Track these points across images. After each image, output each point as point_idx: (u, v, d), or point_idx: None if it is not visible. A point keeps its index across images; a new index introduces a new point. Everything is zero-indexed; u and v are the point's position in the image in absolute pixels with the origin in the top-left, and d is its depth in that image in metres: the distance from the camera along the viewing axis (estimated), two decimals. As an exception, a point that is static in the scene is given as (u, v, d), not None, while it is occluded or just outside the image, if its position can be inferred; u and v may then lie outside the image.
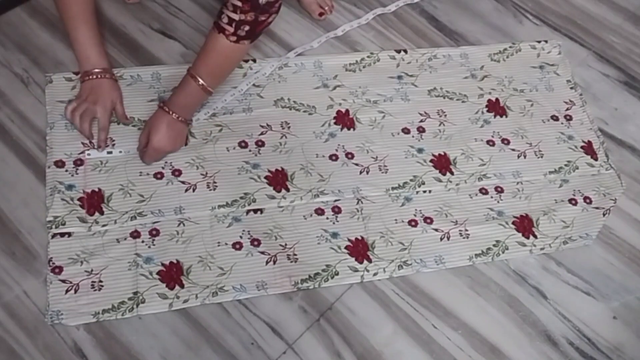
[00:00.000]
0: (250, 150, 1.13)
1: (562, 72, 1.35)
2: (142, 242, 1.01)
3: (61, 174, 1.05)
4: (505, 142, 1.23)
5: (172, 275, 0.99)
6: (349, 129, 1.19)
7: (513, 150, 1.22)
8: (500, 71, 1.33)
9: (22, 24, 1.22)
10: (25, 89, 1.14)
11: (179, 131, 1.07)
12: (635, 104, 1.35)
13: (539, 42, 1.39)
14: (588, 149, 1.25)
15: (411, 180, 1.15)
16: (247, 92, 1.19)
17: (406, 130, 1.21)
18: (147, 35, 1.25)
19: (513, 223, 1.13)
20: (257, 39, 1.00)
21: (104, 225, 1.01)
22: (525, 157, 1.22)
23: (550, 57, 1.37)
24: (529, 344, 1.03)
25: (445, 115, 1.24)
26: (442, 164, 1.18)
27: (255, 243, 1.04)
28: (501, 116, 1.26)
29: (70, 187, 1.04)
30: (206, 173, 1.09)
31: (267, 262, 1.03)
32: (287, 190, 1.10)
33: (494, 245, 1.10)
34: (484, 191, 1.16)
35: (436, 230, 1.10)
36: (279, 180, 1.10)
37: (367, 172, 1.14)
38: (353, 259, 1.05)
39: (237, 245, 1.03)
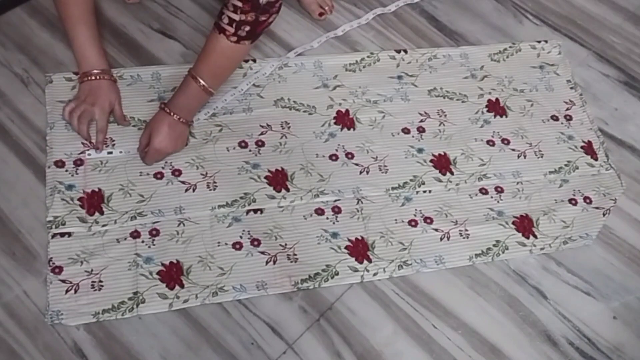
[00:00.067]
0: (250, 150, 1.13)
1: (562, 72, 1.35)
2: (142, 242, 1.01)
3: (61, 174, 1.05)
4: (505, 142, 1.23)
5: (172, 275, 0.99)
6: (349, 129, 1.19)
7: (513, 150, 1.22)
8: (500, 71, 1.33)
9: (22, 24, 1.22)
10: (25, 89, 1.14)
11: (180, 132, 1.07)
12: (635, 104, 1.35)
13: (539, 42, 1.39)
14: (588, 149, 1.25)
15: (411, 180, 1.15)
16: (247, 92, 1.19)
17: (406, 130, 1.21)
18: (147, 35, 1.25)
19: (513, 223, 1.13)
20: (258, 39, 1.00)
21: (104, 225, 1.01)
22: (525, 157, 1.22)
23: (550, 57, 1.37)
24: (529, 344, 1.03)
25: (445, 115, 1.24)
26: (442, 164, 1.18)
27: (255, 243, 1.04)
28: (501, 116, 1.26)
29: (70, 187, 1.04)
30: (206, 173, 1.09)
31: (267, 262, 1.03)
32: (287, 190, 1.10)
33: (494, 245, 1.10)
34: (484, 191, 1.16)
35: (436, 230, 1.10)
36: (279, 180, 1.10)
37: (367, 172, 1.14)
38: (353, 259, 1.05)
39: (237, 245, 1.03)
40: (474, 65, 1.33)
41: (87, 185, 1.05)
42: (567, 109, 1.30)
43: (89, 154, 1.08)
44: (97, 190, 1.05)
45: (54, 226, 1.00)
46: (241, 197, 1.07)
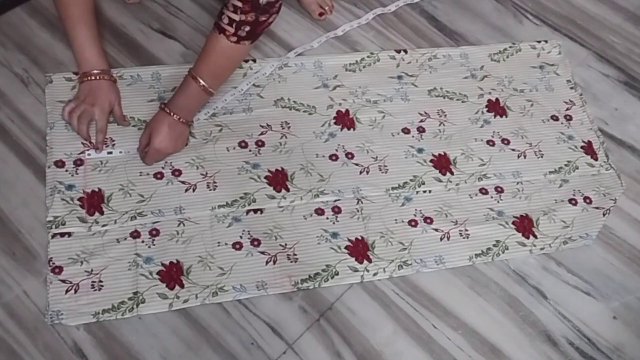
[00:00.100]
0: (250, 150, 1.13)
1: (562, 72, 1.35)
2: (142, 242, 1.01)
3: (61, 174, 1.05)
4: (505, 142, 1.23)
5: (172, 275, 0.99)
6: (349, 129, 1.19)
7: (513, 150, 1.22)
8: (500, 71, 1.33)
9: (22, 24, 1.22)
10: (25, 89, 1.15)
11: (180, 132, 1.07)
12: (635, 104, 1.35)
13: (539, 42, 1.39)
14: (588, 149, 1.25)
15: (411, 180, 1.15)
16: (247, 92, 1.19)
17: (406, 130, 1.21)
18: (147, 35, 1.25)
19: (513, 223, 1.13)
20: (258, 39, 1.00)
21: (104, 225, 1.01)
22: (525, 157, 1.22)
23: (550, 57, 1.37)
24: (529, 344, 1.03)
25: (445, 115, 1.24)
26: (442, 164, 1.18)
27: (255, 243, 1.04)
28: (501, 116, 1.26)
29: (70, 187, 1.04)
30: (206, 173, 1.09)
31: (267, 262, 1.03)
32: (287, 190, 1.10)
33: (494, 245, 1.10)
34: (484, 191, 1.16)
35: (436, 230, 1.10)
36: (279, 180, 1.10)
37: (367, 172, 1.14)
38: (353, 259, 1.05)
39: (237, 245, 1.03)
40: (474, 65, 1.33)
41: (87, 185, 1.05)
42: (567, 109, 1.30)
43: (89, 154, 1.08)
44: (97, 190, 1.05)
45: (54, 226, 1.00)
46: (241, 197, 1.07)
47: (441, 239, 1.09)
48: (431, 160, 1.18)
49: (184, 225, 1.04)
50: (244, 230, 1.05)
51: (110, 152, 1.08)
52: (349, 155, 1.16)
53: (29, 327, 0.93)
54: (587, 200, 1.18)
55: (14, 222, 1.02)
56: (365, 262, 1.05)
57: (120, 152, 1.09)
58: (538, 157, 1.22)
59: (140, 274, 0.99)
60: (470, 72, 1.31)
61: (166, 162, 1.09)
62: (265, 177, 1.10)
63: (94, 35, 1.07)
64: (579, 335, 1.04)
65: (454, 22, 1.41)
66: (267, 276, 1.02)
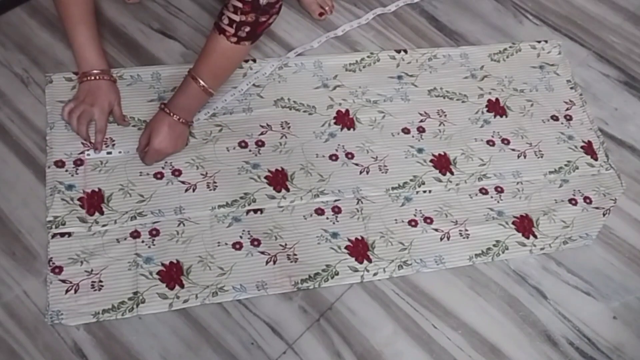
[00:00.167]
0: (250, 150, 1.13)
1: (562, 72, 1.35)
2: (142, 242, 1.01)
3: (61, 174, 1.05)
4: (505, 142, 1.23)
5: (172, 275, 0.99)
6: (349, 129, 1.19)
7: (513, 150, 1.22)
8: (500, 71, 1.33)
9: (22, 24, 1.22)
10: (25, 89, 1.15)
11: (180, 133, 1.07)
12: (635, 104, 1.35)
13: (539, 42, 1.39)
14: (588, 149, 1.25)
15: (411, 180, 1.15)
16: (247, 92, 1.19)
17: (406, 130, 1.21)
18: (147, 35, 1.25)
19: (513, 223, 1.13)
20: (258, 39, 1.00)
21: (104, 225, 1.01)
22: (525, 157, 1.22)
23: (550, 57, 1.37)
24: (529, 344, 1.03)
25: (445, 115, 1.24)
26: (442, 164, 1.18)
27: (255, 243, 1.04)
28: (501, 116, 1.26)
29: (70, 187, 1.04)
30: (206, 173, 1.09)
31: (267, 262, 1.03)
32: (287, 190, 1.10)
33: (494, 245, 1.10)
34: (484, 191, 1.16)
35: (436, 230, 1.10)
36: (279, 180, 1.10)
37: (367, 172, 1.14)
38: (353, 259, 1.05)
39: (237, 245, 1.03)
40: (474, 65, 1.33)
41: (87, 185, 1.05)
42: (567, 109, 1.30)
43: (89, 154, 1.08)
44: (97, 190, 1.05)
45: (54, 226, 1.00)
46: (241, 197, 1.07)
47: (441, 239, 1.10)
48: (431, 160, 1.18)
49: (184, 225, 1.04)
50: (244, 230, 1.05)
51: (109, 152, 1.08)
52: (349, 155, 1.16)
53: (29, 327, 0.94)
54: (587, 200, 1.18)
55: (14, 222, 1.02)
56: (365, 262, 1.05)
57: (120, 152, 1.09)
58: (538, 157, 1.22)
59: (140, 274, 0.99)
60: (470, 72, 1.31)
61: (166, 162, 1.09)
62: (265, 177, 1.10)
63: (94, 36, 1.07)
64: (579, 335, 1.04)
65: (454, 22, 1.41)
66: (267, 276, 1.02)
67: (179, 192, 1.06)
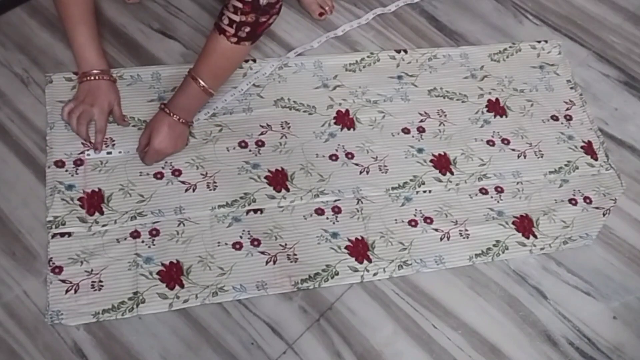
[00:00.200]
0: (250, 150, 1.13)
1: (562, 72, 1.35)
2: (142, 242, 1.01)
3: (61, 174, 1.05)
4: (505, 142, 1.23)
5: (172, 275, 0.99)
6: (349, 129, 1.19)
7: (513, 150, 1.22)
8: (500, 71, 1.33)
9: (22, 24, 1.22)
10: (25, 89, 1.15)
11: (180, 133, 1.07)
12: (635, 104, 1.35)
13: (539, 42, 1.39)
14: (588, 149, 1.25)
15: (411, 180, 1.15)
16: (247, 92, 1.19)
17: (406, 130, 1.21)
18: (147, 35, 1.25)
19: (513, 223, 1.13)
20: (258, 40, 1.00)
21: (104, 225, 1.01)
22: (525, 157, 1.22)
23: (550, 57, 1.37)
24: (529, 344, 1.03)
25: (445, 115, 1.24)
26: (442, 164, 1.18)
27: (255, 243, 1.04)
28: (501, 116, 1.26)
29: (70, 187, 1.04)
30: (206, 173, 1.09)
31: (267, 262, 1.03)
32: (287, 190, 1.10)
33: (494, 245, 1.10)
34: (484, 191, 1.16)
35: (436, 230, 1.10)
36: (279, 180, 1.10)
37: (367, 172, 1.14)
38: (353, 259, 1.05)
39: (237, 245, 1.03)
40: (474, 65, 1.33)
41: (87, 185, 1.05)
42: (567, 109, 1.30)
43: (89, 154, 1.08)
44: (97, 190, 1.05)
45: (54, 226, 1.00)
46: (241, 197, 1.07)
47: (441, 239, 1.10)
48: (431, 160, 1.18)
49: (184, 225, 1.04)
50: (244, 230, 1.05)
51: (109, 152, 1.08)
52: (349, 155, 1.16)
53: (29, 327, 0.94)
54: (587, 200, 1.18)
55: (14, 222, 1.02)
56: (365, 262, 1.05)
57: (120, 152, 1.09)
58: (538, 157, 1.22)
59: (140, 274, 0.99)
60: (470, 72, 1.31)
61: (166, 162, 1.09)
62: (265, 177, 1.10)
63: (94, 36, 1.07)
64: (579, 335, 1.04)
65: (454, 22, 1.41)
66: (267, 276, 1.02)
67: (179, 192, 1.07)
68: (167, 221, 1.04)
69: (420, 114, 1.23)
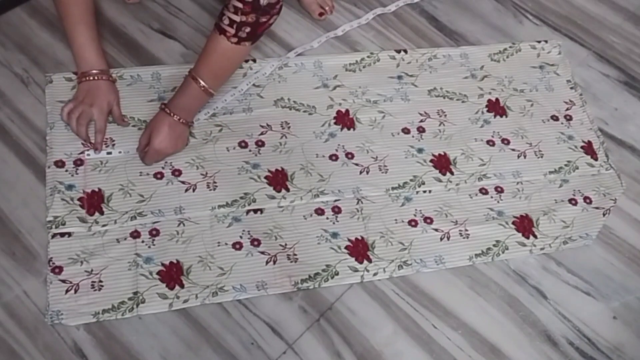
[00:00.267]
0: (250, 150, 1.13)
1: (562, 72, 1.35)
2: (142, 242, 1.01)
3: (61, 174, 1.05)
4: (505, 142, 1.23)
5: (172, 275, 0.99)
6: (349, 129, 1.19)
7: (513, 150, 1.22)
8: (500, 71, 1.33)
9: (22, 24, 1.22)
10: (25, 89, 1.15)
11: (181, 133, 1.07)
12: (635, 104, 1.35)
13: (539, 42, 1.39)
14: (588, 149, 1.25)
15: (411, 180, 1.15)
16: (247, 92, 1.19)
17: (406, 130, 1.21)
18: (147, 35, 1.25)
19: (513, 223, 1.13)
20: (258, 40, 1.00)
21: (104, 225, 1.01)
22: (525, 157, 1.22)
23: (550, 57, 1.37)
24: (529, 344, 1.03)
25: (445, 115, 1.24)
26: (442, 164, 1.18)
27: (255, 243, 1.04)
28: (501, 116, 1.26)
29: (70, 187, 1.04)
30: (206, 173, 1.09)
31: (267, 262, 1.03)
32: (287, 190, 1.10)
33: (494, 245, 1.10)
34: (484, 191, 1.16)
35: (436, 230, 1.10)
36: (279, 180, 1.10)
37: (367, 172, 1.14)
38: (353, 259, 1.05)
39: (237, 245, 1.03)
40: (474, 65, 1.33)
41: (87, 185, 1.05)
42: (567, 109, 1.30)
43: (89, 154, 1.08)
44: (97, 190, 1.05)
45: (54, 226, 1.00)
46: (241, 197, 1.07)
47: (441, 239, 1.10)
48: (431, 160, 1.18)
49: (184, 225, 1.04)
50: (244, 230, 1.05)
51: (109, 152, 1.08)
52: (349, 155, 1.16)
53: (29, 327, 0.94)
54: (587, 200, 1.18)
55: (14, 222, 1.02)
56: (365, 262, 1.05)
57: (120, 152, 1.09)
58: (538, 157, 1.22)
59: (140, 274, 0.99)
60: (470, 72, 1.31)
61: (166, 162, 1.09)
62: (265, 177, 1.10)
63: (94, 36, 1.07)
64: (579, 335, 1.04)
65: (454, 22, 1.41)
66: (267, 276, 1.02)
67: (179, 192, 1.07)
68: (167, 221, 1.04)
69: (420, 114, 1.23)
